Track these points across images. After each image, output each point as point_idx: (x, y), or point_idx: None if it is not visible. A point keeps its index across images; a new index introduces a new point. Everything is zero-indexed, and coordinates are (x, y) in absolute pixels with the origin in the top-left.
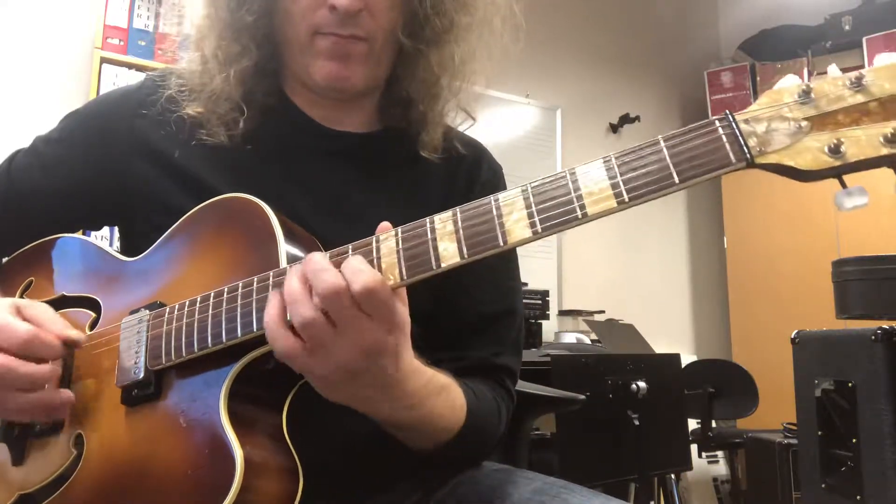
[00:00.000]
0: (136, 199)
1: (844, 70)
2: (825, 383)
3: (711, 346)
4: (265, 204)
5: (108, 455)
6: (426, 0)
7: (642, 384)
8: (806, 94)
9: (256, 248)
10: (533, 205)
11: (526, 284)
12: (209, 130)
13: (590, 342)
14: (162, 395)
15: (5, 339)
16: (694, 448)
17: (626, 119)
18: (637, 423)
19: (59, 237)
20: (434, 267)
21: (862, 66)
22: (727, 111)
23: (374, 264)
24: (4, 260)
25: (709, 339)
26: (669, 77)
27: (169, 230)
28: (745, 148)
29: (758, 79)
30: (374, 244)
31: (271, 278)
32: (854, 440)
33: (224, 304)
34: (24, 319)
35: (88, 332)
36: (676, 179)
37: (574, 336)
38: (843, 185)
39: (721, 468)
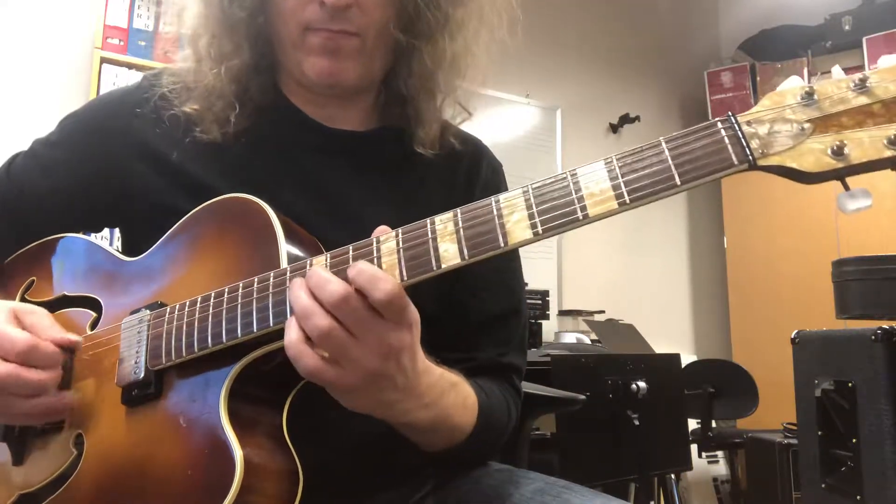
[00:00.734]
0: (135, 200)
1: (845, 70)
2: (825, 383)
3: (711, 346)
4: (266, 204)
5: (108, 455)
6: None
7: (642, 384)
8: (809, 96)
9: (257, 249)
10: (534, 206)
11: (526, 284)
12: (203, 128)
13: (590, 342)
14: (162, 395)
15: (6, 349)
16: (694, 448)
17: (626, 119)
18: (637, 423)
19: (60, 237)
20: (434, 268)
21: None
22: (729, 112)
23: (375, 265)
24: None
25: (709, 339)
26: (669, 77)
27: (170, 230)
28: (747, 149)
29: (758, 79)
30: (374, 245)
31: (272, 278)
32: (854, 440)
33: (224, 304)
34: (23, 326)
35: (89, 332)
36: (678, 181)
37: (574, 336)
38: (846, 187)
39: (721, 468)
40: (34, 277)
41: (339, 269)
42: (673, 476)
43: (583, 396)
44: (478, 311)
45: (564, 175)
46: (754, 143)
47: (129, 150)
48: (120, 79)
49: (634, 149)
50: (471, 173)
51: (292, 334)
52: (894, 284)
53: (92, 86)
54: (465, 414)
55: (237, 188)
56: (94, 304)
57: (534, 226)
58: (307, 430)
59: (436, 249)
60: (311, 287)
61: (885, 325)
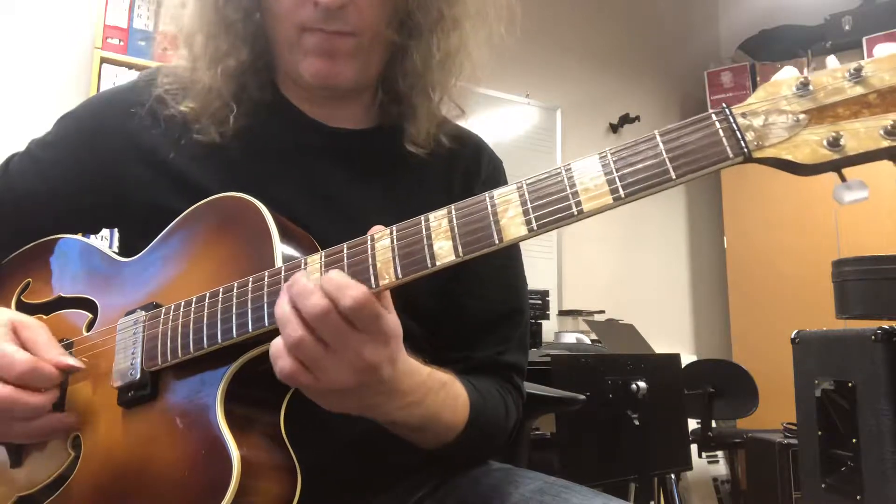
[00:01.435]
0: (131, 200)
1: None
2: (825, 383)
3: (711, 346)
4: (261, 203)
5: (106, 456)
6: None
7: (642, 384)
8: (804, 87)
9: (252, 248)
10: (528, 201)
11: (527, 286)
12: (200, 128)
13: (590, 342)
14: (158, 397)
15: (4, 370)
16: (694, 448)
17: (626, 119)
18: (637, 423)
19: (56, 238)
20: (429, 265)
21: None
22: (724, 104)
23: (370, 263)
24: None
25: (709, 339)
26: (669, 77)
27: (165, 230)
28: (742, 142)
29: (758, 79)
30: (368, 243)
31: (266, 278)
32: (854, 440)
33: (220, 304)
34: (21, 342)
35: (85, 333)
36: (673, 175)
37: (574, 336)
38: (843, 178)
39: (721, 468)
40: (30, 279)
41: (332, 267)
42: (673, 476)
43: (583, 396)
44: (479, 309)
45: (559, 170)
46: (749, 136)
47: (126, 151)
48: (120, 79)
49: (629, 143)
50: (470, 170)
51: (278, 339)
52: (894, 284)
53: (92, 86)
54: (456, 413)
55: (234, 188)
56: (89, 306)
57: (528, 222)
58: (306, 430)
59: (430, 247)
60: (293, 296)
61: (885, 325)
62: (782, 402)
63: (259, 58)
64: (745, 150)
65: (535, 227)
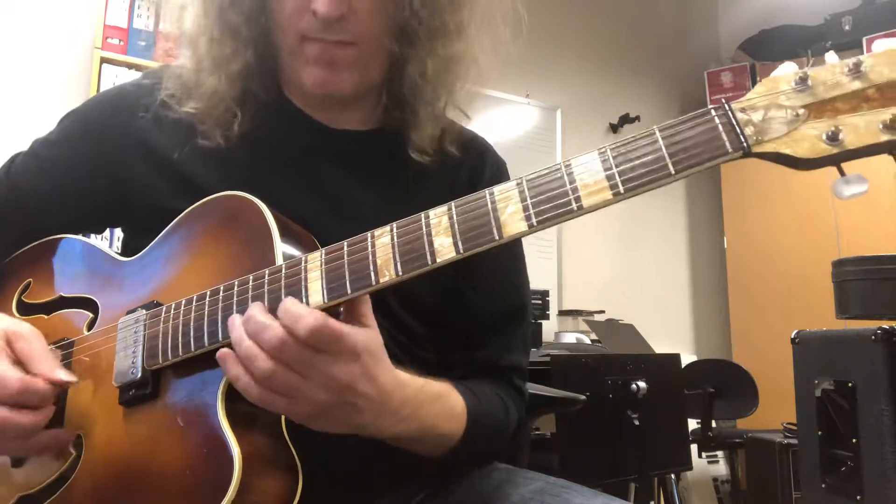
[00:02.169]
0: (135, 200)
1: None
2: (825, 383)
3: (711, 346)
4: (261, 202)
5: (107, 456)
6: (415, 0)
7: (642, 384)
8: (803, 82)
9: (252, 246)
10: (528, 198)
11: (529, 285)
12: (205, 132)
13: (590, 342)
14: (159, 395)
15: None
16: (694, 448)
17: (626, 119)
18: (637, 423)
19: (58, 238)
20: (429, 262)
21: None
22: (723, 100)
23: (370, 260)
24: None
25: (709, 339)
26: (669, 77)
27: (165, 229)
28: (741, 137)
29: (758, 79)
30: (369, 240)
31: (267, 276)
32: (854, 440)
33: (220, 302)
34: (15, 354)
35: (86, 333)
36: (672, 170)
37: (574, 336)
38: (842, 173)
39: (721, 468)
40: (31, 279)
41: (333, 264)
42: (673, 476)
43: (583, 396)
44: (481, 309)
45: (558, 166)
46: (748, 130)
47: (130, 150)
48: (120, 79)
49: (628, 138)
50: (474, 172)
51: (234, 369)
52: (894, 284)
53: (92, 86)
54: (453, 422)
55: (237, 189)
56: (90, 305)
57: (528, 218)
58: (308, 429)
59: (430, 244)
60: (249, 333)
61: (885, 325)
62: (782, 402)
63: (263, 61)
64: (745, 144)
65: (535, 223)
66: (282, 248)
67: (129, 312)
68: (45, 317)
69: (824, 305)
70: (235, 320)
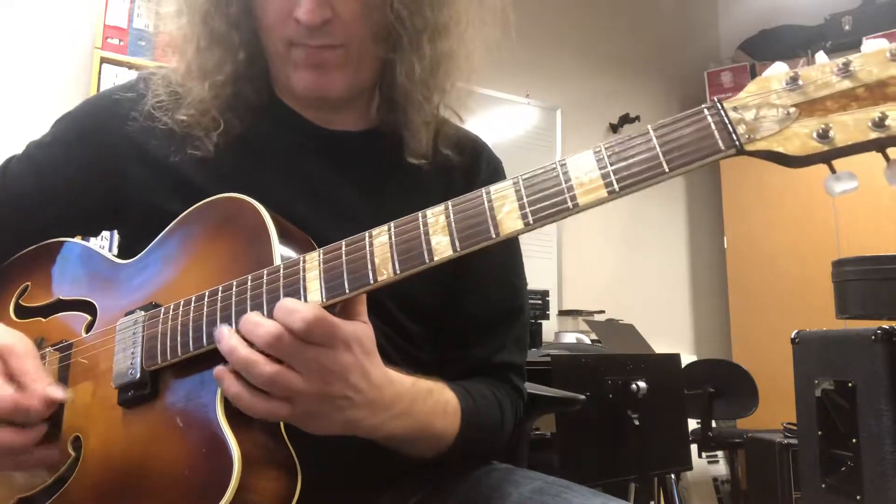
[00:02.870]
0: (131, 202)
1: None
2: (825, 383)
3: (711, 346)
4: (258, 203)
5: (106, 456)
6: (397, 1)
7: (642, 384)
8: (794, 81)
9: (250, 247)
10: (524, 196)
11: (526, 284)
12: (196, 141)
13: (590, 342)
14: (158, 396)
15: None
16: (694, 448)
17: (626, 119)
18: (637, 423)
19: (55, 241)
20: (427, 260)
21: None
22: (716, 99)
23: (368, 259)
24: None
25: (709, 339)
26: (669, 77)
27: (163, 231)
28: (733, 135)
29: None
30: (366, 240)
31: (265, 276)
32: (854, 440)
33: (219, 302)
34: (8, 370)
35: (84, 335)
36: (666, 168)
37: (574, 336)
38: (833, 170)
39: (721, 468)
40: (28, 282)
41: (331, 264)
42: (673, 476)
43: (583, 396)
44: (478, 307)
45: (554, 165)
46: (741, 129)
47: (125, 151)
48: (120, 79)
49: (622, 137)
50: (470, 172)
51: (234, 387)
52: (894, 284)
53: (92, 86)
54: (447, 420)
55: (233, 189)
56: (88, 308)
57: (524, 216)
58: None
59: (428, 242)
60: (244, 334)
61: (885, 325)
62: (782, 402)
63: (253, 63)
64: (737, 143)
65: (532, 221)
66: (280, 249)
67: (127, 314)
68: (43, 320)
69: (824, 305)
70: (224, 330)
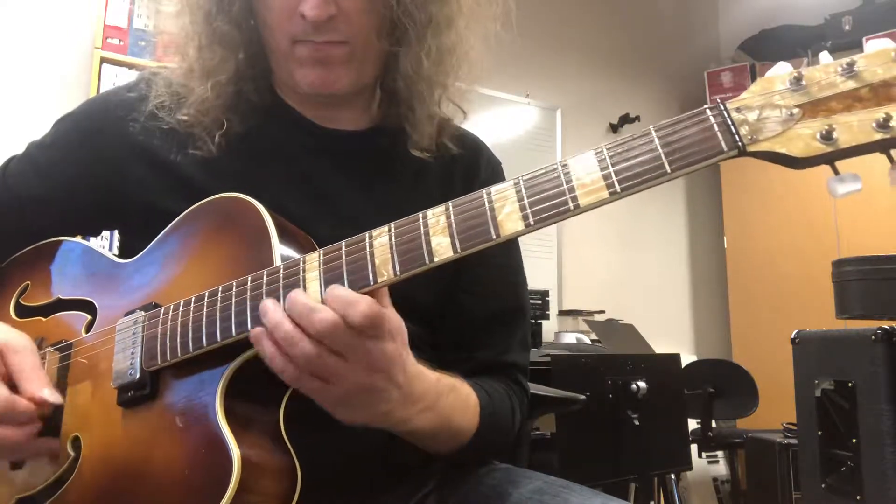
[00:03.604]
0: (131, 201)
1: None
2: (825, 383)
3: (711, 346)
4: (258, 203)
5: (106, 457)
6: None
7: (642, 384)
8: (797, 82)
9: (250, 247)
10: (525, 197)
11: (527, 284)
12: (197, 141)
13: (590, 342)
14: (158, 396)
15: None
16: (694, 448)
17: (626, 119)
18: (637, 423)
19: (55, 241)
20: (427, 261)
21: None
22: (718, 99)
23: (368, 260)
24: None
25: (709, 339)
26: (669, 77)
27: (163, 231)
28: (736, 136)
29: (758, 79)
30: (367, 240)
31: (265, 277)
32: (854, 440)
33: (218, 303)
34: (6, 367)
35: (84, 335)
36: (668, 168)
37: (574, 336)
38: (836, 171)
39: (721, 468)
40: (28, 282)
41: (331, 264)
42: (673, 476)
43: (583, 396)
44: (480, 309)
45: (555, 166)
46: (743, 130)
47: (126, 151)
48: (120, 79)
49: (624, 138)
50: (469, 171)
51: (270, 348)
52: (894, 284)
53: (92, 86)
54: (467, 416)
55: (234, 189)
56: (88, 307)
57: (525, 217)
58: (306, 429)
59: (428, 243)
60: (295, 317)
61: (885, 325)
62: (782, 402)
63: (255, 63)
64: (740, 143)
65: (532, 222)
66: (280, 249)
67: (127, 314)
68: (43, 319)
69: (824, 305)
70: (268, 304)
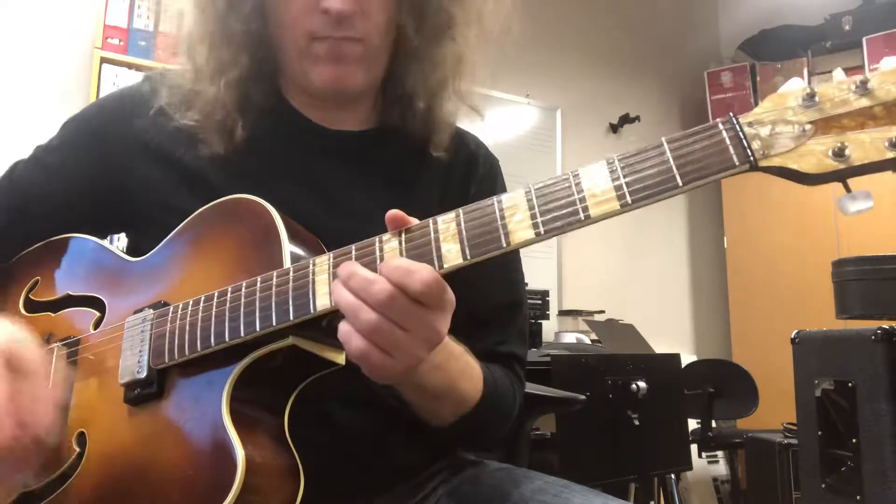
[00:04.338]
0: (138, 200)
1: (846, 71)
2: (825, 383)
3: (711, 346)
4: (269, 205)
5: (110, 454)
6: None
7: (642, 384)
8: (810, 98)
9: (260, 249)
10: (536, 206)
11: (526, 284)
12: (206, 141)
13: (590, 342)
14: (164, 395)
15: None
16: (694, 448)
17: (626, 119)
18: (637, 423)
19: (66, 237)
20: (437, 268)
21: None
22: (731, 114)
23: (378, 265)
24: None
25: (709, 339)
26: (669, 77)
27: (174, 231)
28: (748, 150)
29: (758, 79)
30: (377, 245)
31: (274, 278)
32: (854, 440)
33: (228, 303)
34: (13, 372)
35: (92, 331)
36: (679, 182)
37: (574, 336)
38: (847, 188)
39: (721, 468)
40: (38, 277)
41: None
42: (673, 476)
43: (583, 396)
44: (477, 303)
45: (566, 176)
46: (756, 144)
47: (133, 151)
48: (120, 79)
49: (636, 150)
50: (468, 168)
51: (345, 325)
52: (894, 284)
53: (92, 86)
54: (472, 383)
55: (242, 189)
56: (97, 304)
57: (536, 226)
58: (309, 431)
59: (438, 249)
60: (354, 290)
61: (885, 325)
62: (782, 402)
63: (262, 65)
64: (752, 158)
65: (543, 232)
66: (290, 251)
67: (136, 312)
68: (52, 315)
69: (824, 305)
70: (336, 283)
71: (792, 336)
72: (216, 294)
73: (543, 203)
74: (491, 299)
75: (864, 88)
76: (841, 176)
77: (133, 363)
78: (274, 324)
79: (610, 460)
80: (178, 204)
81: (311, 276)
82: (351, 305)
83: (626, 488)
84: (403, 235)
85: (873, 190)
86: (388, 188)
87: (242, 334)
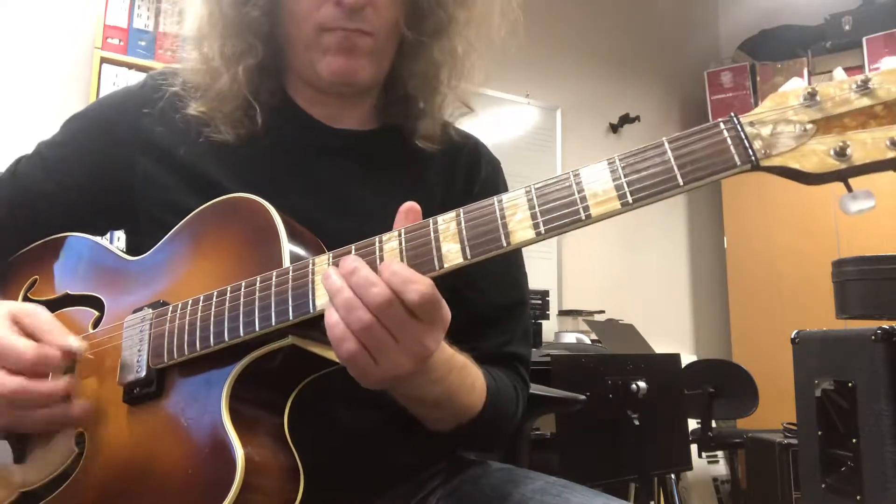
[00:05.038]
0: (139, 197)
1: (846, 71)
2: (825, 383)
3: (711, 346)
4: (269, 204)
5: (110, 453)
6: None
7: (642, 384)
8: (811, 97)
9: (260, 248)
10: (536, 206)
11: (527, 277)
12: (208, 138)
13: (590, 342)
14: (164, 394)
15: (12, 361)
16: (694, 448)
17: (626, 119)
18: (637, 423)
19: (65, 236)
20: (437, 267)
21: (862, 66)
22: (732, 113)
23: (378, 265)
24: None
25: (709, 339)
26: (669, 77)
27: (173, 230)
28: (749, 150)
29: (758, 79)
30: (376, 244)
31: (274, 278)
32: (854, 440)
33: (227, 302)
34: (23, 330)
35: (91, 331)
36: (681, 181)
37: (574, 336)
38: (849, 188)
39: (721, 468)
40: (36, 276)
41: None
42: (673, 476)
43: (583, 396)
44: (481, 303)
45: (567, 175)
46: (757, 144)
47: (136, 147)
48: (120, 79)
49: (637, 149)
50: (471, 169)
51: (334, 315)
52: (894, 284)
53: (92, 86)
54: (474, 394)
55: (243, 188)
56: (96, 303)
57: (536, 226)
58: (309, 431)
59: (438, 249)
60: (353, 286)
61: (885, 325)
62: (782, 402)
63: (271, 60)
64: (753, 158)
65: (543, 231)
66: (289, 250)
67: (135, 311)
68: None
69: (824, 305)
70: (330, 271)
71: (792, 336)
72: (215, 293)
73: (544, 202)
74: (495, 300)
75: (865, 88)
76: (842, 176)
77: (132, 363)
78: (273, 323)
79: (610, 460)
80: (178, 201)
81: (310, 276)
82: (347, 301)
83: (627, 488)
84: (403, 235)
85: (873, 189)
86: (392, 186)
87: (242, 334)
